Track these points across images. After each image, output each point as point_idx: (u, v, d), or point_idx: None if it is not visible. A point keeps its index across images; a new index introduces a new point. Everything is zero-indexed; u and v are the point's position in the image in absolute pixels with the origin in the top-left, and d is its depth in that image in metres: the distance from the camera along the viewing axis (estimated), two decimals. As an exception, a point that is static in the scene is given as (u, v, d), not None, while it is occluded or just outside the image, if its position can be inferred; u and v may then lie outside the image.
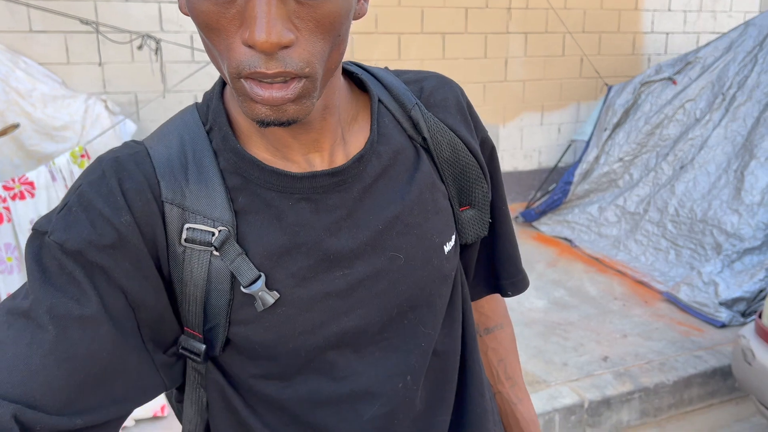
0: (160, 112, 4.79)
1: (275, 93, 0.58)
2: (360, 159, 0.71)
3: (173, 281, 0.68)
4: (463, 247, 0.86)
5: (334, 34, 0.59)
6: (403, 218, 0.73)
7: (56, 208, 0.66)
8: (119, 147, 0.70)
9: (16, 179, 2.32)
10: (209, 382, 0.75)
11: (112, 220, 0.64)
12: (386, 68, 0.82)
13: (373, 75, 0.79)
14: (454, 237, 0.80)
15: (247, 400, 0.74)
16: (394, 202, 0.73)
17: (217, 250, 0.66)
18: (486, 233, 0.85)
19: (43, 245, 0.63)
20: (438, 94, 0.80)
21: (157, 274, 0.67)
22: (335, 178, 0.70)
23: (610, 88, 5.00)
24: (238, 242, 0.67)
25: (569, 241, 4.60)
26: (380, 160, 0.73)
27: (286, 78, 0.58)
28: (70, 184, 2.42)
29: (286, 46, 0.56)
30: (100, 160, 0.68)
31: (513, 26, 5.26)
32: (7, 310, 0.62)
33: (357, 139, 0.74)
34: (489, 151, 0.86)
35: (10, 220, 2.28)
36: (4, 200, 2.28)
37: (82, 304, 0.61)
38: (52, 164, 2.40)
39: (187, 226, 0.66)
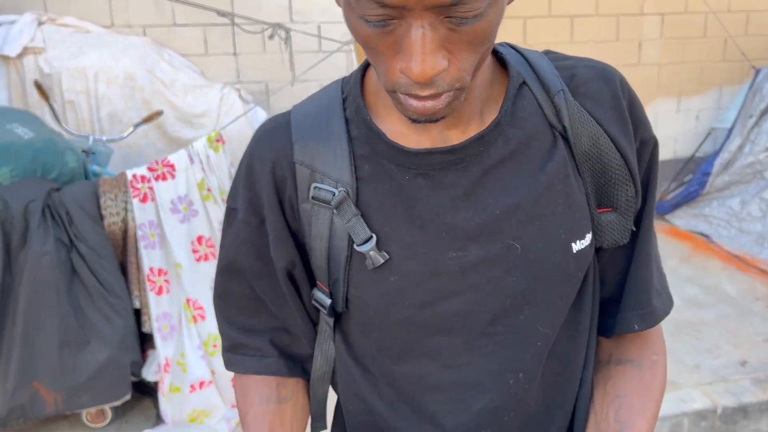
0: (289, 100, 4.98)
1: (428, 104, 0.61)
2: (480, 139, 0.69)
3: (303, 236, 0.75)
4: (598, 250, 0.78)
5: (486, 44, 0.60)
6: (525, 207, 0.70)
7: (235, 184, 0.79)
8: (270, 119, 0.78)
9: (159, 162, 2.50)
10: (336, 348, 0.80)
11: (256, 199, 0.75)
12: (546, 51, 0.78)
13: (524, 57, 0.75)
14: (588, 237, 0.74)
15: (366, 371, 0.77)
16: (519, 188, 0.70)
17: (336, 209, 0.69)
18: (626, 241, 0.77)
19: (235, 219, 0.78)
20: (591, 85, 0.74)
21: (292, 241, 0.75)
22: (452, 156, 0.69)
23: (758, 72, 4.57)
24: (357, 205, 0.70)
25: (706, 236, 4.29)
26: (507, 143, 0.70)
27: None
28: (206, 167, 2.58)
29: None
30: (254, 135, 0.78)
31: (648, 7, 4.95)
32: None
33: (491, 119, 0.71)
34: (648, 155, 0.78)
35: (153, 199, 2.47)
36: (149, 181, 2.47)
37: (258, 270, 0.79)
38: (190, 148, 2.57)
39: (314, 185, 0.71)
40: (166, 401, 2.51)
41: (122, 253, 2.48)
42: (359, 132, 0.72)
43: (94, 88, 3.98)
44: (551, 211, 0.71)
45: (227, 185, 2.66)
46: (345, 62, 4.95)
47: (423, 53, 0.56)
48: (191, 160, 2.55)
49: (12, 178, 2.34)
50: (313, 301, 0.78)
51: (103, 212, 2.40)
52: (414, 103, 0.61)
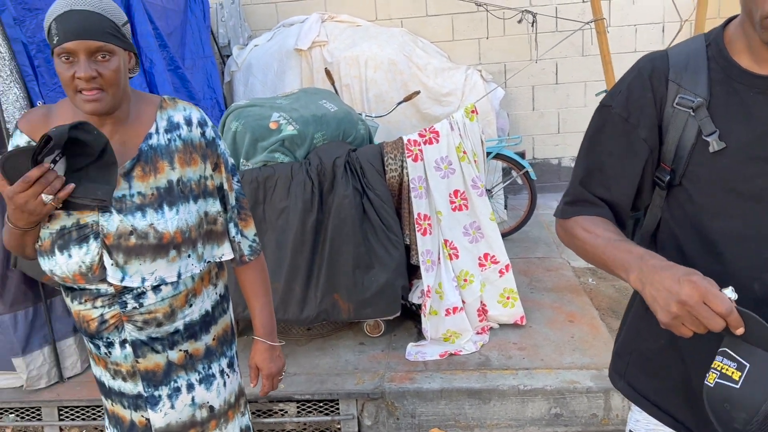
0: (525, 78, 5.39)
1: None
2: None
3: (662, 130, 1.17)
4: None
5: None
6: None
7: (615, 90, 1.22)
8: (650, 53, 1.22)
9: (427, 129, 3.11)
10: (663, 211, 1.22)
11: (642, 97, 1.16)
12: None
13: None
14: None
15: (682, 227, 1.18)
16: None
17: (693, 111, 1.12)
18: None
19: (608, 113, 1.21)
20: None
21: (657, 130, 1.17)
22: None
23: None
24: (708, 110, 1.11)
25: None
26: None
27: None
28: (462, 133, 3.13)
29: None
30: (638, 62, 1.22)
31: None
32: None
33: None
34: None
35: (422, 159, 3.09)
36: (419, 144, 3.09)
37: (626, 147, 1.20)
38: (451, 118, 3.13)
39: (679, 95, 1.14)
40: (426, 321, 3.14)
41: (397, 200, 3.14)
42: (717, 65, 1.11)
43: (364, 73, 4.78)
44: None
45: (479, 149, 3.19)
46: (581, 40, 5.21)
47: None
48: (452, 128, 3.11)
49: (323, 140, 3.12)
50: (655, 177, 1.18)
51: (386, 168, 3.08)
52: None
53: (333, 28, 5.05)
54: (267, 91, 4.93)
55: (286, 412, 2.91)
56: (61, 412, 2.99)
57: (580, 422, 2.80)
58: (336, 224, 2.99)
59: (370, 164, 3.03)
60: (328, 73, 4.22)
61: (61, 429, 3.00)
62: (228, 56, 5.23)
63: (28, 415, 3.04)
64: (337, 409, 2.88)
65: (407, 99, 4.21)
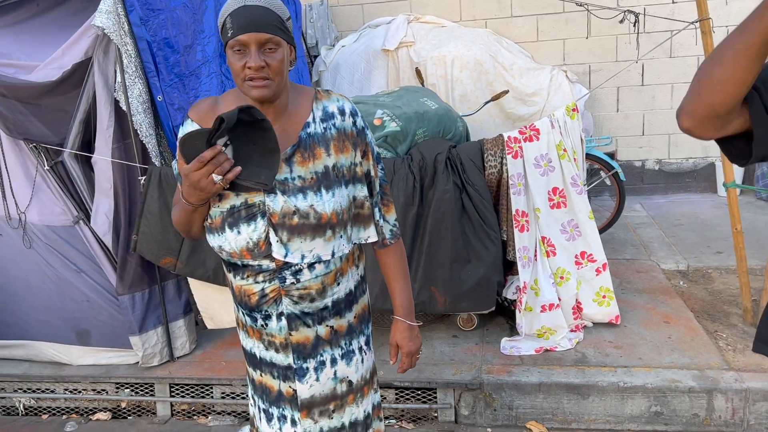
0: (612, 80, 5.34)
1: None
2: None
3: None
4: None
5: None
6: None
7: None
8: None
9: (527, 127, 3.15)
10: None
11: None
12: None
13: None
14: None
15: None
16: None
17: None
18: None
19: None
20: None
21: None
22: None
23: None
24: None
25: None
26: None
27: None
28: (563, 131, 3.15)
29: None
30: None
31: None
32: None
33: None
34: None
35: (522, 156, 3.13)
36: (519, 141, 3.13)
37: None
38: (552, 116, 3.16)
39: None
40: (521, 317, 3.17)
41: (495, 196, 3.19)
42: None
43: (450, 73, 4.84)
44: None
45: (579, 147, 3.20)
46: (668, 42, 5.13)
47: None
48: (552, 126, 3.14)
49: (424, 136, 3.20)
50: None
51: (485, 164, 3.13)
52: None
53: (419, 28, 5.14)
54: (354, 91, 5.06)
55: (385, 398, 3.00)
56: (172, 389, 3.17)
57: (680, 422, 2.78)
58: (436, 218, 3.06)
59: (471, 160, 3.09)
60: (418, 72, 4.30)
61: (171, 405, 3.18)
62: (316, 56, 5.38)
63: (142, 390, 3.23)
64: (435, 397, 2.95)
65: (495, 98, 4.26)
